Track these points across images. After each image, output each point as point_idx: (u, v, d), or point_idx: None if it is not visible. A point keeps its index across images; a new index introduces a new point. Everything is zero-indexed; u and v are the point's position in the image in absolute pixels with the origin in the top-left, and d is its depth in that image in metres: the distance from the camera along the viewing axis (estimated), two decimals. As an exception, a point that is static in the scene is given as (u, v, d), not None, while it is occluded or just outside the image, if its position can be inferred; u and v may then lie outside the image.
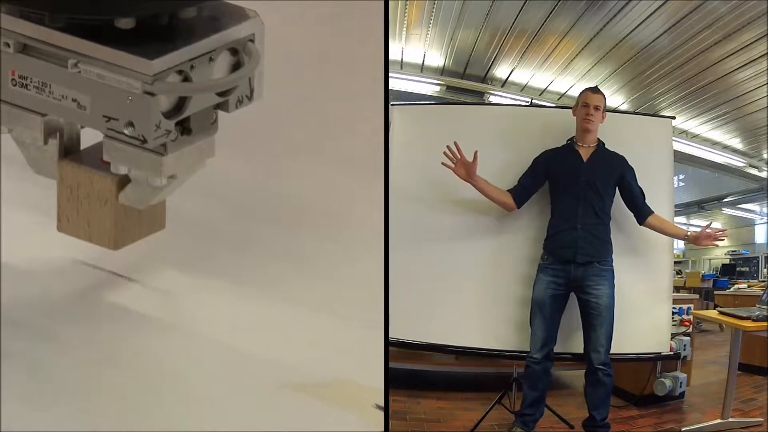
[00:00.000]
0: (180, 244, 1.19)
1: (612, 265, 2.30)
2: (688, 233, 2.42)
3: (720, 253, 6.69)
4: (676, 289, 3.91)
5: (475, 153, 2.28)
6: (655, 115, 4.53)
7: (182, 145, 0.64)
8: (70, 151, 0.68)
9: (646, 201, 2.35)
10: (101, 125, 0.62)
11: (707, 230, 2.37)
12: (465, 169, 2.30)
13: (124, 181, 0.70)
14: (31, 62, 0.61)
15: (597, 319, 2.25)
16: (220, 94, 0.69)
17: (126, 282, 1.05)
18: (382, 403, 1.10)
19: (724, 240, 2.41)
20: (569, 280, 2.27)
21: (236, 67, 0.67)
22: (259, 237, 1.46)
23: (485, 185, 2.34)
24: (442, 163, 2.30)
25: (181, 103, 0.60)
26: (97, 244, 0.77)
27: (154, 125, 0.56)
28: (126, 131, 0.61)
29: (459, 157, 2.29)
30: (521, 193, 2.38)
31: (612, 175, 2.34)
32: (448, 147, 2.28)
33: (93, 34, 0.57)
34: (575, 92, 4.28)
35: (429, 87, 4.70)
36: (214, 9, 0.65)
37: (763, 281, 5.54)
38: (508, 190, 2.38)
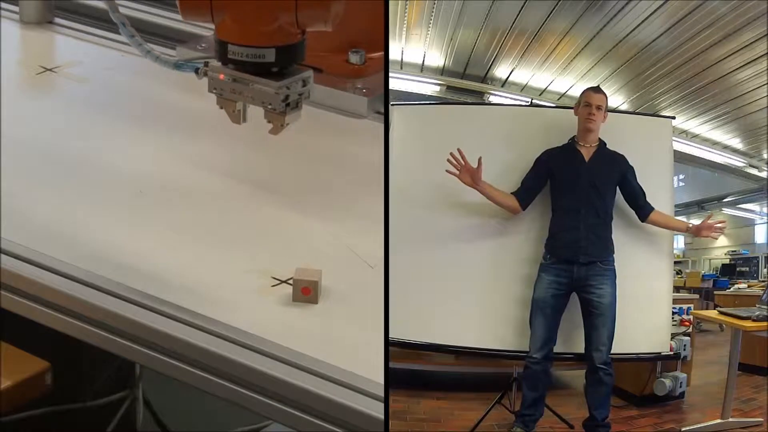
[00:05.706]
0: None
1: (613, 265, 2.30)
2: (690, 225, 2.45)
3: (720, 253, 6.68)
4: (676, 289, 3.90)
5: (479, 159, 2.28)
6: (655, 115, 4.51)
7: (288, 111, 1.39)
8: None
9: (647, 199, 2.36)
10: (262, 105, 1.39)
11: (708, 222, 2.40)
12: (470, 175, 2.30)
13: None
14: (234, 86, 1.40)
15: (599, 319, 2.25)
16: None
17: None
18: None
19: (723, 232, 2.44)
20: (572, 280, 2.27)
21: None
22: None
23: (491, 190, 2.34)
24: (447, 171, 2.30)
25: (287, 97, 1.38)
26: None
27: (280, 103, 1.37)
28: (269, 107, 1.38)
29: (463, 163, 2.29)
30: (525, 194, 2.38)
31: (614, 175, 2.34)
32: (451, 154, 2.28)
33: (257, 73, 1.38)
34: (575, 92, 4.27)
35: (429, 87, 4.68)
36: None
37: (763, 281, 5.53)
38: (512, 193, 2.37)
